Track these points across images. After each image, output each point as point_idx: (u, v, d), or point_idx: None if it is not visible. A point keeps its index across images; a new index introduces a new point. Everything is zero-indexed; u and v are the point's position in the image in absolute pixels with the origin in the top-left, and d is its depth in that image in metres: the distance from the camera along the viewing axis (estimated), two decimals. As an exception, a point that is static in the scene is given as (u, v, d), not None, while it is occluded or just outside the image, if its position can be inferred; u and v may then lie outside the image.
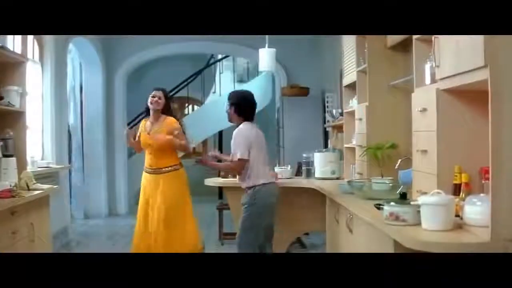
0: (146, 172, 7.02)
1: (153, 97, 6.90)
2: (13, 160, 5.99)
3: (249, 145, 5.84)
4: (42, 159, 8.43)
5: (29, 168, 6.74)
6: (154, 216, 6.86)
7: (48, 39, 8.58)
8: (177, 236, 6.89)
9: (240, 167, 5.87)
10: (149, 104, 6.91)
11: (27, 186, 5.97)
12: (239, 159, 5.83)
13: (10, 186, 5.57)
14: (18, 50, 6.92)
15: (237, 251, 5.95)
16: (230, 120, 6.15)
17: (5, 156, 5.95)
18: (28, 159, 6.82)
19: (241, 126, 5.96)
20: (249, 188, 5.89)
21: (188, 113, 17.54)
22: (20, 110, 6.35)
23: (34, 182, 6.16)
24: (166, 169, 6.93)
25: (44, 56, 8.64)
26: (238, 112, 6.00)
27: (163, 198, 6.86)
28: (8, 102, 6.04)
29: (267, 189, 5.92)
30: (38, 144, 8.49)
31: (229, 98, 6.10)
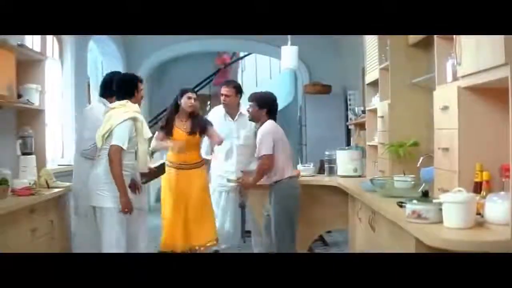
0: (178, 168, 7.17)
1: (189, 98, 7.12)
2: (32, 158, 6.01)
3: (273, 141, 5.97)
4: (62, 157, 8.43)
5: (49, 166, 6.75)
6: (191, 208, 7.14)
7: (68, 36, 8.55)
8: (210, 226, 7.24)
9: (269, 162, 5.97)
10: (184, 105, 7.10)
11: (47, 184, 6.00)
12: (263, 155, 5.96)
13: (30, 184, 5.59)
14: (37, 47, 6.91)
15: (277, 248, 6.01)
16: (252, 120, 6.34)
17: (24, 154, 5.97)
18: (48, 157, 6.82)
19: (265, 124, 6.11)
20: (276, 182, 6.01)
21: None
22: (39, 108, 6.36)
23: (54, 180, 6.19)
24: (200, 163, 7.28)
25: (64, 53, 8.61)
26: (264, 112, 6.16)
27: (201, 190, 7.18)
28: (27, 100, 6.05)
29: (293, 183, 6.11)
30: (58, 142, 8.48)
31: (252, 99, 6.26)
